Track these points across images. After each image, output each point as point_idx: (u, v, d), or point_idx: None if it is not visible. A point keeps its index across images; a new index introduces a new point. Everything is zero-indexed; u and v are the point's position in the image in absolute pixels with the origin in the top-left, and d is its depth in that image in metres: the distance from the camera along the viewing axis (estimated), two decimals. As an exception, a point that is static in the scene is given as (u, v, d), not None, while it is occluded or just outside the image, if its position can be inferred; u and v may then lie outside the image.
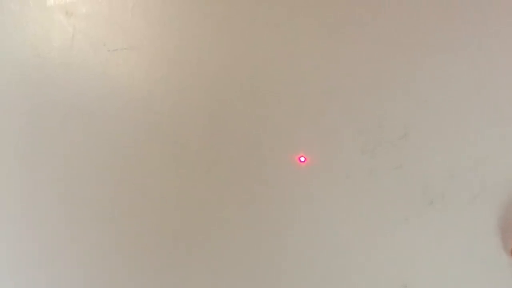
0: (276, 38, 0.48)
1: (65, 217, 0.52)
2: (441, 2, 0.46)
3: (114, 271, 0.53)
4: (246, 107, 0.49)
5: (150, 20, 0.49)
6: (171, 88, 0.50)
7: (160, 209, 0.51)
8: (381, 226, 0.49)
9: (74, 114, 0.50)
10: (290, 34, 0.48)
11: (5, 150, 0.53)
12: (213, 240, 0.51)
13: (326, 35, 0.48)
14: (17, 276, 0.54)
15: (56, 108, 0.51)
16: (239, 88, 0.49)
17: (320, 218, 0.49)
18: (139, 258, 0.52)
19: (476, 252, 0.48)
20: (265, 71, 0.49)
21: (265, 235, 0.50)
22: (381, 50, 0.47)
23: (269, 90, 0.49)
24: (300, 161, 0.48)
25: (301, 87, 0.48)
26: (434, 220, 0.48)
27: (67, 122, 0.51)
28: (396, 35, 0.47)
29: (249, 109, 0.49)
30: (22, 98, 0.51)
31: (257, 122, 0.49)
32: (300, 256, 0.50)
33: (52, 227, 0.53)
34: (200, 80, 0.49)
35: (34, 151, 0.52)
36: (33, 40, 0.50)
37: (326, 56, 0.48)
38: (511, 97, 0.47)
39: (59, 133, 0.51)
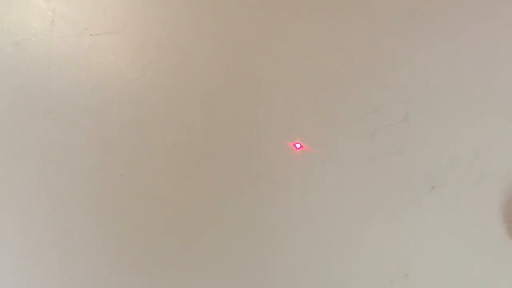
0: (271, 21, 0.47)
1: (51, 215, 0.51)
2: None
3: (106, 270, 0.51)
4: (239, 93, 0.48)
5: (134, 2, 0.48)
6: (157, 74, 0.48)
7: (151, 203, 0.50)
8: (382, 213, 0.48)
9: (56, 103, 0.49)
10: (286, 18, 0.47)
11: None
12: (209, 233, 0.50)
13: (324, 19, 0.47)
14: (5, 277, 0.52)
15: (36, 97, 0.49)
16: (231, 74, 0.48)
17: (319, 205, 0.49)
18: (132, 256, 0.51)
19: (478, 238, 0.48)
20: (258, 56, 0.48)
21: (262, 224, 0.49)
22: (380, 34, 0.47)
23: (262, 76, 0.48)
24: (296, 147, 0.48)
25: (299, 73, 0.48)
26: (436, 207, 0.48)
27: (48, 111, 0.49)
28: (396, 19, 0.47)
29: (242, 96, 0.48)
30: (0, 88, 0.49)
31: (250, 109, 0.48)
32: (299, 245, 0.49)
33: (40, 225, 0.51)
34: (188, 66, 0.48)
35: (14, 143, 0.50)
36: (10, 26, 0.49)
37: (325, 41, 0.47)
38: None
39: (40, 123, 0.49)
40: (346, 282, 0.50)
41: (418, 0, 0.47)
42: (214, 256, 0.50)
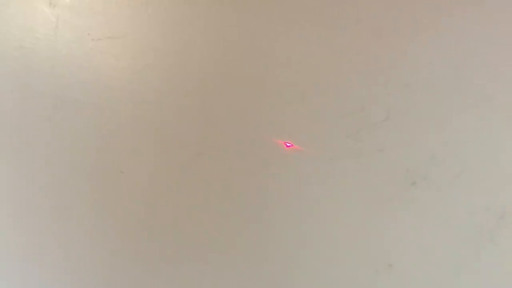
0: (260, 25, 0.49)
1: (54, 210, 0.52)
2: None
3: (105, 264, 0.53)
4: (231, 94, 0.50)
5: (134, 8, 0.49)
6: (156, 76, 0.50)
7: (148, 199, 0.51)
8: (366, 207, 0.50)
9: (59, 104, 0.50)
10: (273, 20, 0.48)
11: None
12: (202, 227, 0.51)
13: (309, 21, 0.48)
14: (7, 274, 0.53)
15: (41, 98, 0.50)
16: (224, 76, 0.49)
17: (306, 200, 0.50)
18: (129, 249, 0.52)
19: (458, 230, 0.50)
20: (250, 58, 0.49)
21: (251, 219, 0.51)
22: (363, 35, 0.48)
23: (253, 77, 0.49)
24: (287, 146, 0.49)
25: (285, 73, 0.49)
26: (417, 201, 0.49)
27: (52, 112, 0.50)
28: (378, 20, 0.48)
29: (234, 97, 0.50)
30: (6, 90, 0.51)
31: (243, 109, 0.50)
32: (286, 238, 0.51)
33: (41, 220, 0.53)
34: (185, 68, 0.49)
35: (19, 143, 0.51)
36: (17, 31, 0.50)
37: (309, 42, 0.48)
38: (490, 80, 0.48)
39: (44, 123, 0.51)
40: (332, 272, 0.51)
41: (400, 4, 0.47)
42: (206, 248, 0.51)
